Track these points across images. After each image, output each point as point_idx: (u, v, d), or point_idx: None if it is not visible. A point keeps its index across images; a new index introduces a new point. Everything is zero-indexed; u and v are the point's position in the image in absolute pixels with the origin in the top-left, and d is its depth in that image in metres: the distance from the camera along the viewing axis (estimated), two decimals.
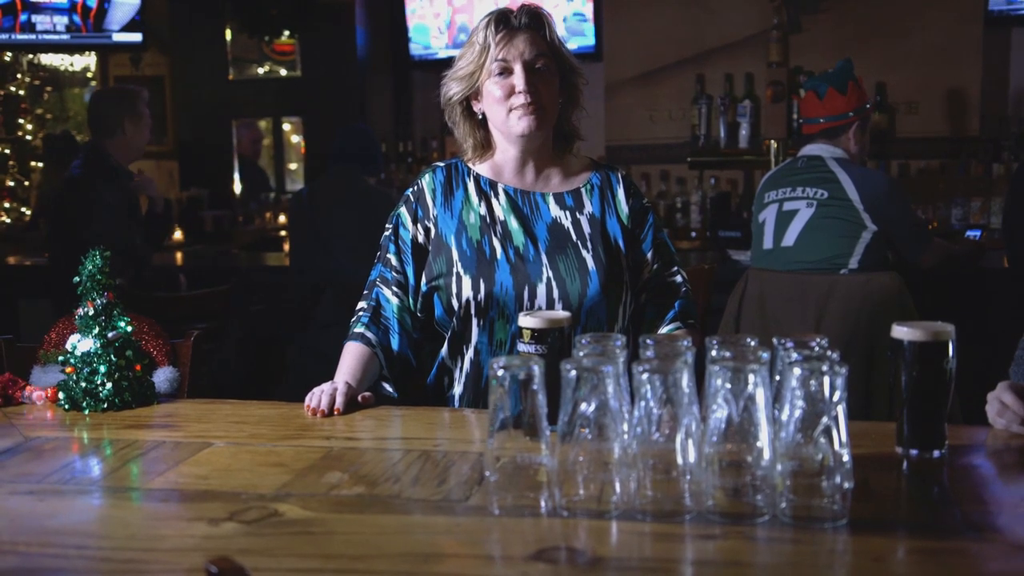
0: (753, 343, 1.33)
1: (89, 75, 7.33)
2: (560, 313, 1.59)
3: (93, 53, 6.90)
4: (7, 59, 6.60)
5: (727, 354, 1.28)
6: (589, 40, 5.66)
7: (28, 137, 6.60)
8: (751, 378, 1.17)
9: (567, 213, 1.93)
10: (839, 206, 3.06)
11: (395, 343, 1.92)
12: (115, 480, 1.44)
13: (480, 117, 1.94)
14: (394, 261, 1.94)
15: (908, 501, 1.33)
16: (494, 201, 1.93)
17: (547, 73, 1.87)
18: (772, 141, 4.68)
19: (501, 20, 1.87)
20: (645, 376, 1.18)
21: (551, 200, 1.94)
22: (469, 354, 1.89)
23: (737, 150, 5.03)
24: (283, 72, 6.71)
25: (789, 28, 5.04)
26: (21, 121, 6.69)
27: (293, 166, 7.44)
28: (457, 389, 1.92)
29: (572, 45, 5.87)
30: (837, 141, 3.19)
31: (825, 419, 1.16)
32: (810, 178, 3.15)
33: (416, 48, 6.08)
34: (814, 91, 3.24)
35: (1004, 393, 1.51)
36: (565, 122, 1.96)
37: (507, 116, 1.87)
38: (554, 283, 1.85)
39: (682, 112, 5.36)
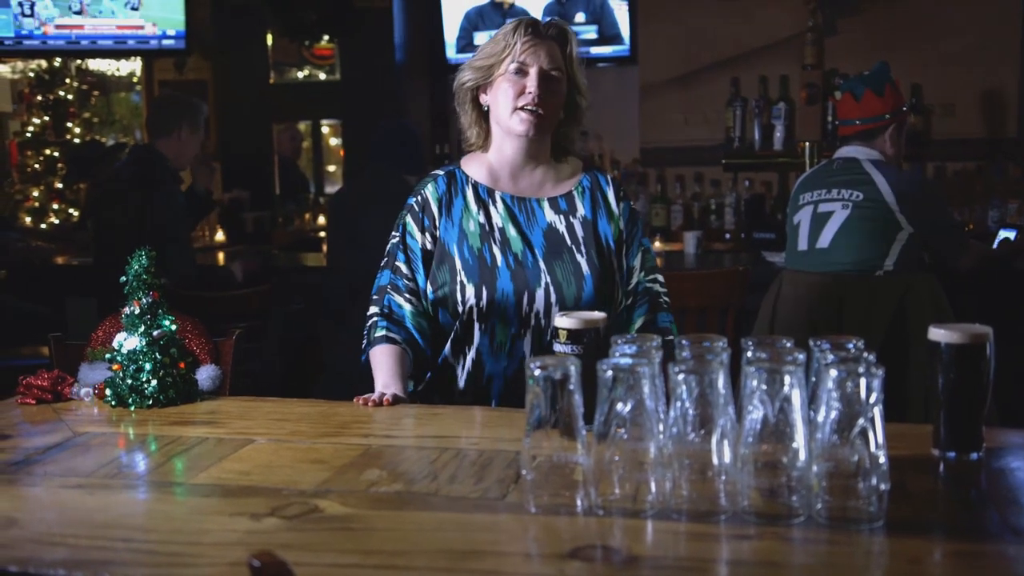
0: (789, 344, 1.33)
1: (135, 80, 7.45)
2: (595, 314, 1.60)
3: (139, 58, 7.02)
4: (56, 65, 6.74)
5: (763, 355, 1.28)
6: (624, 44, 5.66)
7: (76, 140, 6.73)
8: (787, 379, 1.18)
9: (561, 217, 2.01)
10: (874, 208, 3.04)
11: (418, 341, 1.98)
12: (160, 475, 1.47)
13: (485, 109, 2.02)
14: (404, 269, 2.01)
15: (945, 503, 1.32)
16: (492, 209, 2.00)
17: (557, 84, 1.96)
18: (806, 143, 4.65)
19: (531, 26, 1.96)
20: (681, 376, 1.19)
21: (546, 205, 2.01)
22: (471, 355, 1.96)
23: (771, 152, 4.99)
24: (322, 76, 6.77)
25: (824, 30, 4.99)
26: (69, 125, 6.83)
27: (332, 168, 7.51)
28: (459, 385, 1.98)
29: (607, 49, 5.88)
30: (873, 143, 3.17)
31: (861, 420, 1.16)
32: (845, 180, 3.14)
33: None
34: (851, 93, 3.22)
35: None
36: (563, 136, 2.04)
37: (511, 115, 1.95)
38: (551, 288, 1.93)
39: (716, 114, 5.33)
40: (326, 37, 6.42)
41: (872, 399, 1.16)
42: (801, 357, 1.22)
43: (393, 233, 2.05)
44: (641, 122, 5.51)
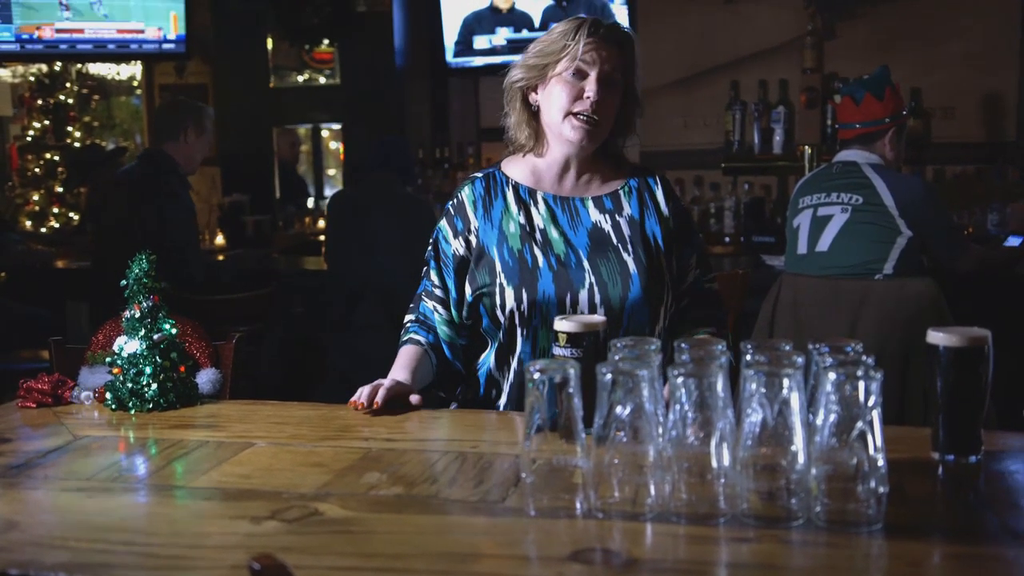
0: (788, 348, 1.33)
1: (135, 84, 7.46)
2: (595, 317, 1.61)
3: (139, 62, 7.03)
4: (56, 69, 6.75)
5: (762, 359, 1.28)
6: None
7: (76, 144, 6.76)
8: (786, 382, 1.18)
9: (606, 216, 1.93)
10: (874, 211, 3.05)
11: (444, 350, 1.97)
12: (160, 478, 1.48)
13: (534, 109, 1.94)
14: (434, 276, 1.97)
15: (944, 506, 1.33)
16: (533, 210, 1.94)
17: (616, 91, 1.89)
18: (806, 147, 4.66)
19: (594, 26, 1.86)
20: (680, 380, 1.19)
21: (590, 204, 1.94)
22: (514, 364, 1.91)
23: (771, 156, 5.01)
24: (322, 80, 6.77)
25: (823, 34, 5.01)
26: (70, 129, 6.84)
27: (331, 172, 7.52)
28: (503, 400, 1.94)
29: None
30: (873, 147, 3.18)
31: (860, 423, 1.16)
32: (845, 183, 3.14)
33: None
34: (851, 96, 3.23)
35: None
36: (611, 145, 1.98)
37: (563, 120, 1.87)
38: (596, 288, 1.86)
39: (716, 118, 5.34)
40: (326, 41, 6.43)
41: (871, 402, 1.16)
42: (800, 360, 1.23)
43: (431, 239, 2.01)
44: (640, 125, 5.51)
